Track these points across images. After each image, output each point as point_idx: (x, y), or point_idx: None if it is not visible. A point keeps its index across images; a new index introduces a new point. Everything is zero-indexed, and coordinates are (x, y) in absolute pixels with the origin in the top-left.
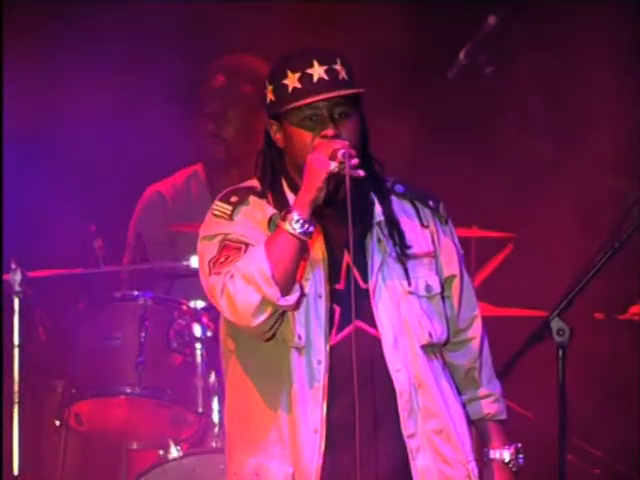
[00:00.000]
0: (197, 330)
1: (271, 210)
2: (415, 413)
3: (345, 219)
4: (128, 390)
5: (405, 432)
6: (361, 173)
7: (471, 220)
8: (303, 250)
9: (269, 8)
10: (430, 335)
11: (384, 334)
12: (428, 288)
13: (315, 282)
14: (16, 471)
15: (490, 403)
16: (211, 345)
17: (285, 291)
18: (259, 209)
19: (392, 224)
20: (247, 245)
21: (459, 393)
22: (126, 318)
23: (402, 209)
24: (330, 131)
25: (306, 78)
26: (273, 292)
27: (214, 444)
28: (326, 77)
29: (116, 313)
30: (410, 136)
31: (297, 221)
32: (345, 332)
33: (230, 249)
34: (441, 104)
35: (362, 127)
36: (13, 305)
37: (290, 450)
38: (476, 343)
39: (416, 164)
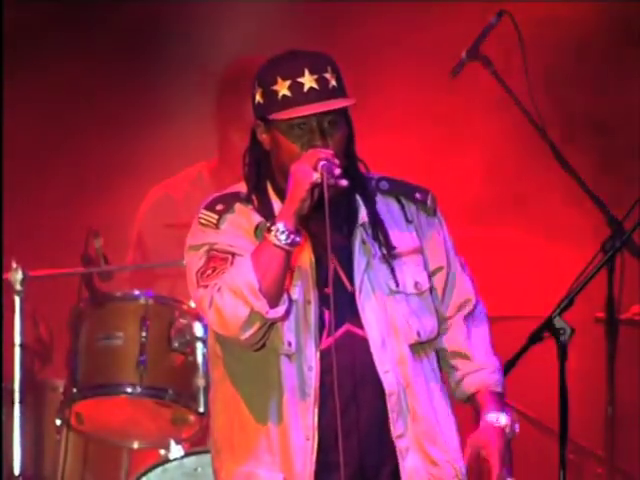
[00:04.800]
0: (198, 329)
1: (257, 218)
2: (404, 414)
3: (332, 223)
4: (129, 390)
5: (394, 433)
6: (344, 183)
7: None
8: (290, 260)
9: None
10: (418, 334)
11: (371, 335)
12: (417, 285)
13: (303, 288)
14: (17, 471)
15: (487, 374)
16: None
17: (273, 302)
18: (245, 217)
19: (376, 225)
20: (234, 255)
21: (449, 395)
22: (127, 317)
23: (387, 207)
24: (318, 144)
25: (296, 87)
26: (261, 305)
27: None
28: (317, 87)
29: (117, 312)
30: None
31: (282, 232)
32: (335, 336)
33: (217, 260)
34: None
35: (349, 131)
36: (14, 304)
37: (281, 458)
38: (463, 327)
39: None
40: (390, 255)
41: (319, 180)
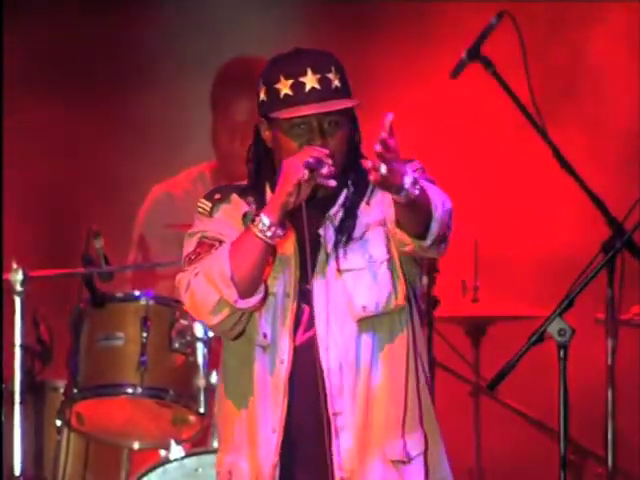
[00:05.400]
0: (199, 330)
1: (246, 207)
2: (344, 392)
3: (317, 217)
4: (130, 390)
5: (331, 410)
6: (331, 184)
7: None
8: (269, 253)
9: None
10: (364, 308)
11: (318, 322)
12: (370, 258)
13: (284, 281)
14: (17, 471)
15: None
16: (213, 345)
17: (245, 293)
18: (238, 207)
19: (346, 213)
20: (221, 242)
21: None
22: (128, 318)
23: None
24: (318, 143)
25: (298, 86)
26: (230, 293)
27: (216, 444)
28: (318, 87)
29: (118, 313)
30: None
31: (265, 224)
32: (310, 333)
33: (204, 246)
34: None
35: (353, 132)
36: (14, 305)
37: (249, 449)
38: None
39: None
40: (345, 242)
41: (305, 177)
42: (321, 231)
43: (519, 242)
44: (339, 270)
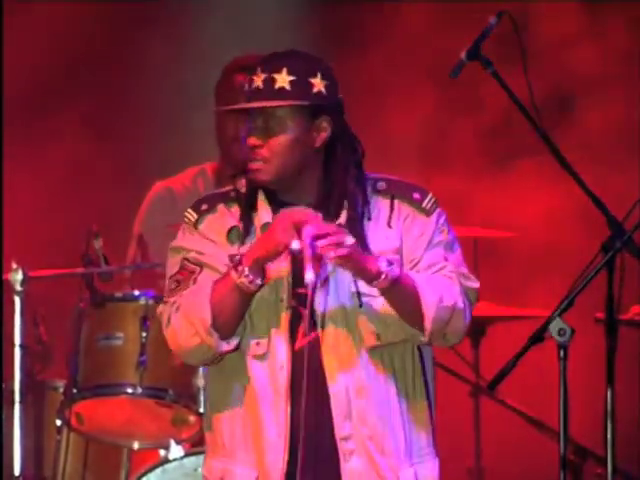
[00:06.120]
0: None
1: (232, 222)
2: (352, 417)
3: None
4: (129, 390)
5: (338, 435)
6: (339, 254)
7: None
8: (249, 299)
9: None
10: (378, 337)
11: (326, 337)
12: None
13: (277, 288)
14: (17, 471)
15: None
16: None
17: (227, 335)
18: (224, 219)
19: (353, 227)
20: (202, 267)
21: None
22: (127, 318)
23: (377, 208)
24: (252, 140)
25: (249, 82)
26: (213, 340)
27: None
28: (261, 86)
29: (117, 313)
30: None
31: (246, 275)
32: (309, 337)
33: (185, 272)
34: None
35: (296, 142)
36: (14, 305)
37: (255, 455)
38: None
39: None
40: None
41: (297, 249)
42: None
43: (519, 240)
44: (352, 293)
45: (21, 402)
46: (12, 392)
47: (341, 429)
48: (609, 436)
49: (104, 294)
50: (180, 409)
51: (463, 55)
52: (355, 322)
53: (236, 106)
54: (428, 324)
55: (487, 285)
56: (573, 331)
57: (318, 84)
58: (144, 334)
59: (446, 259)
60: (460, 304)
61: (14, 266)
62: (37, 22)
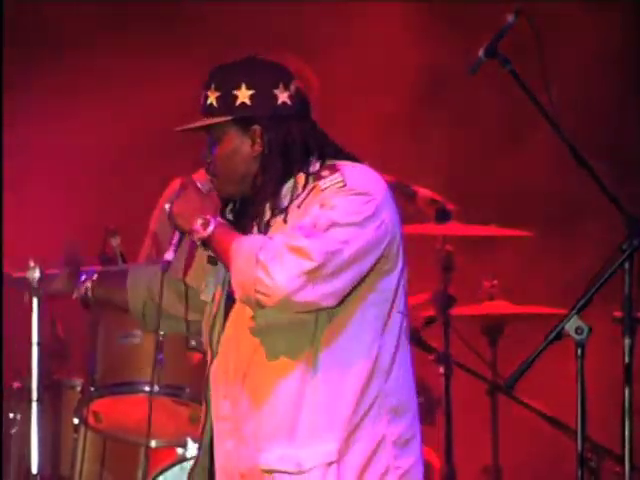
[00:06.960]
0: None
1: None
2: (228, 397)
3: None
4: (147, 388)
5: (216, 415)
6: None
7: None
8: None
9: None
10: (252, 318)
11: (226, 331)
12: None
13: (213, 288)
14: (34, 469)
15: None
16: None
17: None
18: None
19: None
20: None
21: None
22: None
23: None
24: (205, 157)
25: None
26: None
27: None
28: (202, 103)
29: None
30: None
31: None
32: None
33: None
34: None
35: (233, 154)
36: (31, 303)
37: None
38: None
39: None
40: None
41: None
42: None
43: (536, 239)
44: None
45: (38, 400)
46: (29, 390)
47: (219, 409)
48: (627, 434)
49: None
50: (197, 407)
51: (481, 53)
52: (238, 306)
53: (178, 128)
54: (234, 285)
55: (505, 284)
56: (590, 329)
57: (243, 95)
58: (161, 332)
59: (300, 228)
60: (260, 272)
61: (31, 264)
62: None
